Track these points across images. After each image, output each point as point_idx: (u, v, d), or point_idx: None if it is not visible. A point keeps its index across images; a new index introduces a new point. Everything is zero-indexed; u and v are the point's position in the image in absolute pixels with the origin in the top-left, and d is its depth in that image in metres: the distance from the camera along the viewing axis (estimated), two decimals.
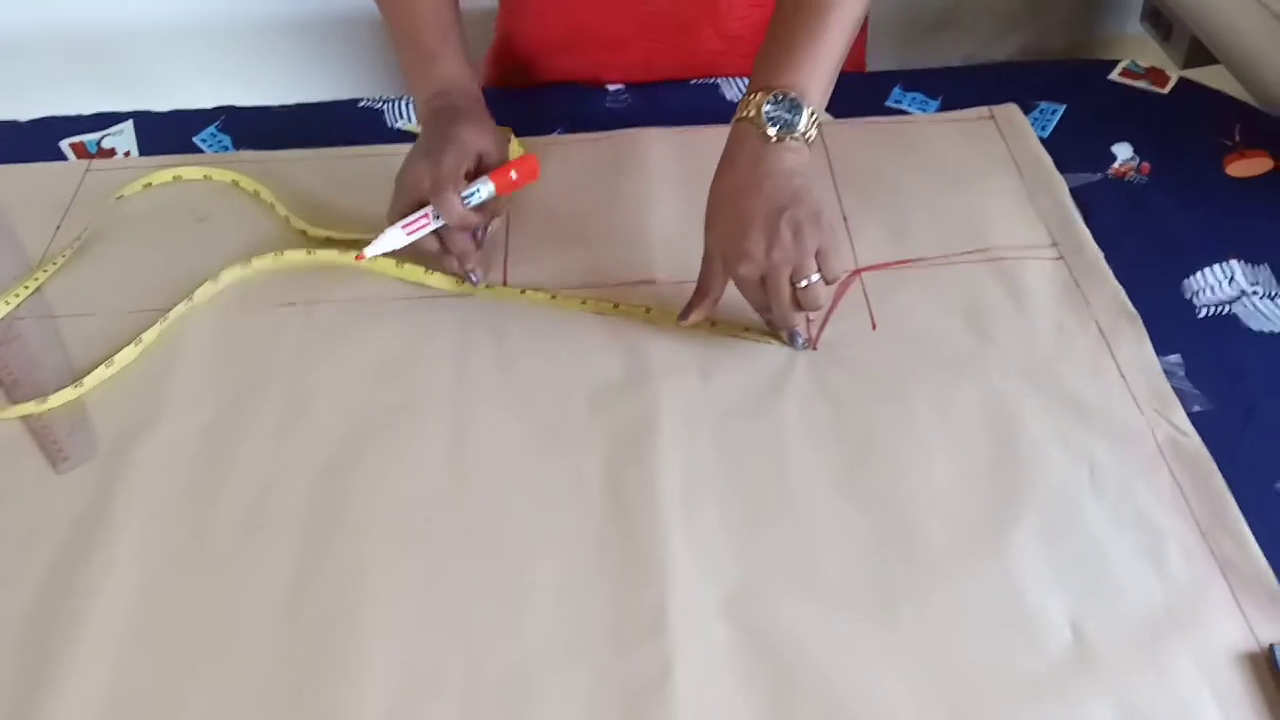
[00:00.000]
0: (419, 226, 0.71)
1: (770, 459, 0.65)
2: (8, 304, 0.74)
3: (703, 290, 0.70)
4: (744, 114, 0.68)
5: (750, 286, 0.67)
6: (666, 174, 0.83)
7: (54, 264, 0.77)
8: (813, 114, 0.67)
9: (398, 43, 0.79)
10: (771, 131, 0.66)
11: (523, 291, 0.75)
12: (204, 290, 0.75)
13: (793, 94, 0.67)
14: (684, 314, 0.70)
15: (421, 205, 0.71)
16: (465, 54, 0.78)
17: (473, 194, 0.71)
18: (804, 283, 0.65)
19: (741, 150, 0.68)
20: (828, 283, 0.66)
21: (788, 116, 0.66)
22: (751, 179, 0.66)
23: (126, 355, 0.71)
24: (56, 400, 0.68)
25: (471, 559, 0.61)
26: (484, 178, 0.72)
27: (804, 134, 0.67)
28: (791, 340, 0.71)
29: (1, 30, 1.11)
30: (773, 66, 0.69)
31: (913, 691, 0.55)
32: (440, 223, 0.71)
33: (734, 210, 0.66)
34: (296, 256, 0.77)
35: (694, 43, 0.93)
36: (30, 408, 0.68)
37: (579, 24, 0.92)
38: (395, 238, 0.71)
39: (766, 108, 0.67)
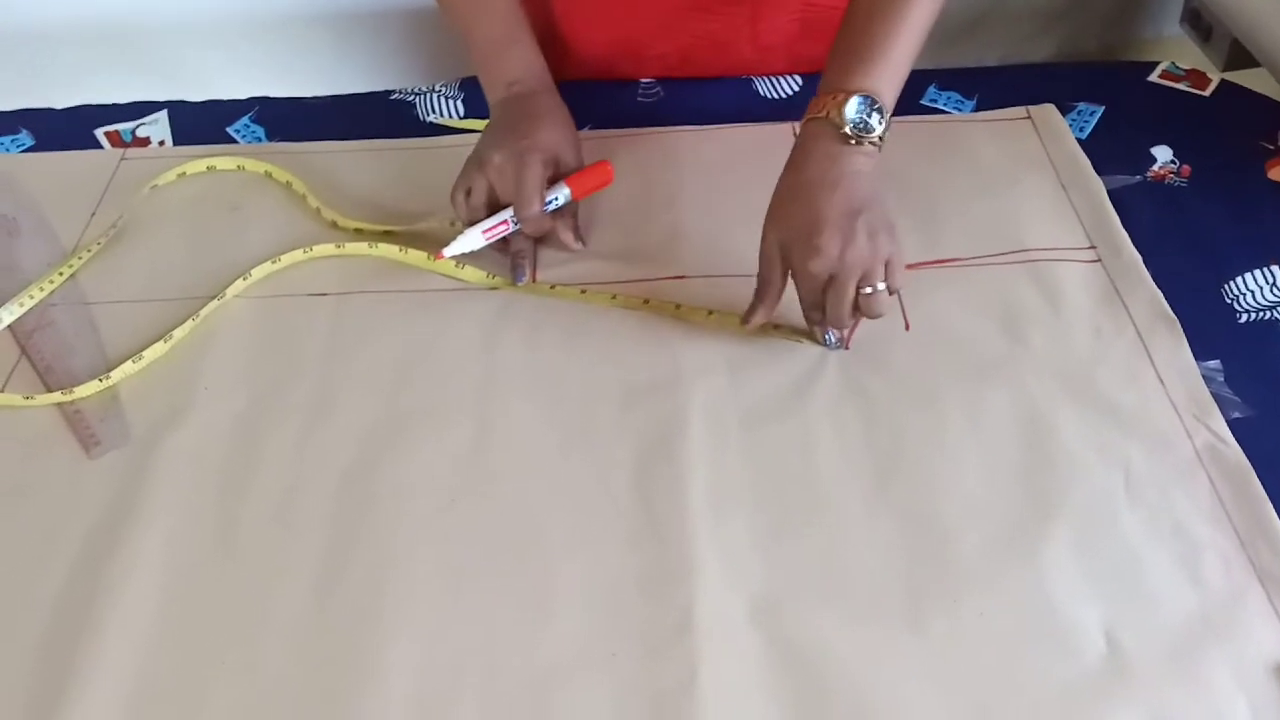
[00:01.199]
0: (498, 232, 0.73)
1: (800, 462, 0.64)
2: (42, 290, 0.75)
3: (764, 289, 0.69)
4: (818, 113, 0.67)
5: (813, 283, 0.66)
6: (697, 171, 0.83)
7: (88, 251, 0.78)
8: (887, 120, 0.67)
9: (466, 26, 0.80)
10: (849, 132, 0.66)
11: (552, 287, 0.75)
12: (235, 287, 0.75)
13: (874, 97, 0.66)
14: (747, 317, 0.70)
15: (497, 202, 0.74)
16: (536, 44, 0.80)
17: (552, 201, 0.73)
18: (869, 289, 0.64)
19: (814, 148, 0.67)
20: (890, 293, 0.65)
21: (866, 119, 0.66)
22: (827, 175, 0.66)
23: (155, 351, 0.71)
24: (83, 391, 0.68)
25: (498, 558, 0.60)
26: (562, 184, 0.74)
27: (880, 138, 0.67)
28: (825, 340, 0.70)
29: (38, 19, 1.12)
30: (848, 69, 0.68)
31: (943, 702, 0.54)
32: (517, 227, 0.74)
33: (807, 204, 0.65)
34: (325, 250, 0.77)
35: (729, 56, 0.93)
36: (57, 397, 0.68)
37: (618, 39, 0.92)
38: (474, 239, 0.73)
39: (848, 110, 0.66)
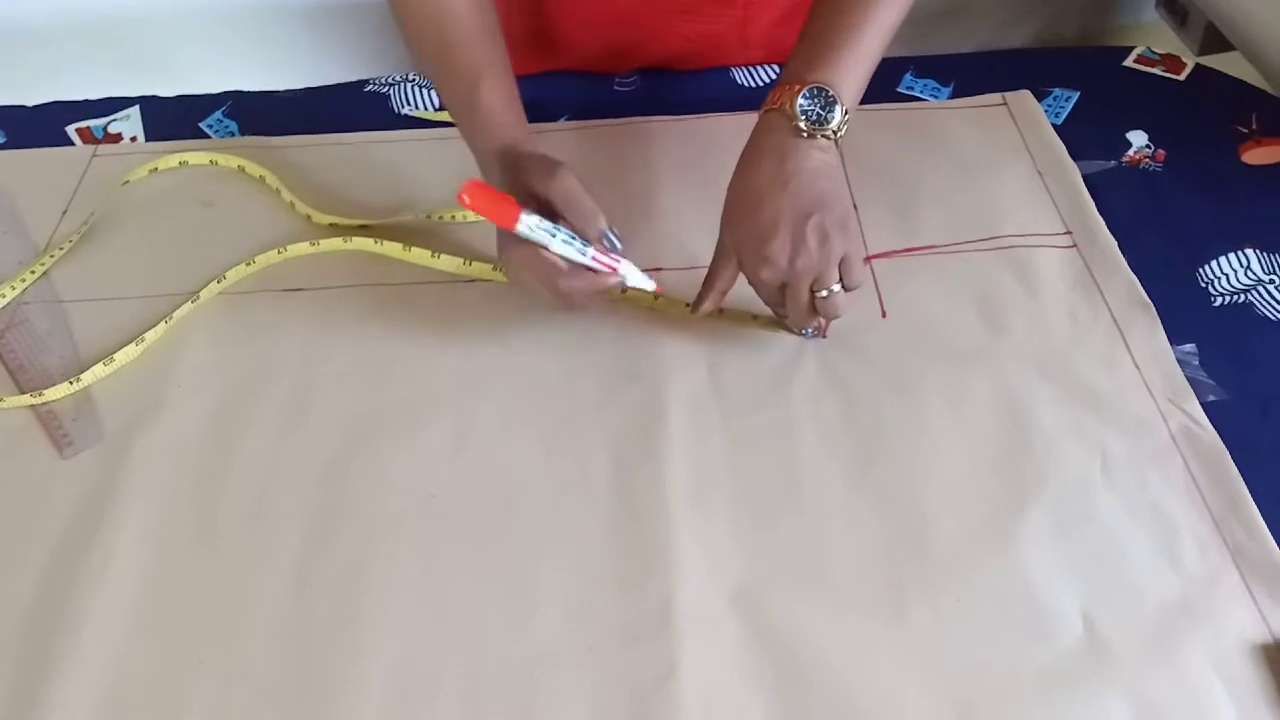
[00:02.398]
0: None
1: (779, 452, 0.64)
2: (14, 289, 0.74)
3: (710, 281, 0.69)
4: (774, 105, 0.66)
5: (767, 291, 0.66)
6: (674, 162, 0.83)
7: (60, 249, 0.77)
8: (845, 112, 0.65)
9: (437, 82, 0.72)
10: (803, 125, 0.64)
11: None
12: (209, 290, 0.74)
13: (829, 89, 0.65)
14: (694, 306, 0.69)
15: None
16: (515, 98, 0.70)
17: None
18: (824, 293, 0.64)
19: (768, 143, 0.66)
20: (848, 290, 0.65)
21: (821, 112, 0.64)
22: (777, 177, 0.64)
23: (127, 354, 0.70)
24: (53, 394, 0.68)
25: (477, 552, 0.60)
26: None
27: (835, 131, 0.65)
28: (802, 332, 0.70)
29: (8, 14, 1.11)
30: (808, 62, 0.67)
31: (923, 686, 0.54)
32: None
33: (757, 209, 0.64)
34: (300, 249, 0.76)
35: (718, 58, 0.92)
36: (27, 400, 0.68)
37: (609, 43, 0.91)
38: (643, 278, 0.66)
39: (801, 101, 0.64)
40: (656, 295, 0.69)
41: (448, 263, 0.75)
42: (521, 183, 0.63)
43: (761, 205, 0.64)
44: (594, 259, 0.63)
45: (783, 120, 0.65)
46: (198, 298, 0.73)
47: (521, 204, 0.61)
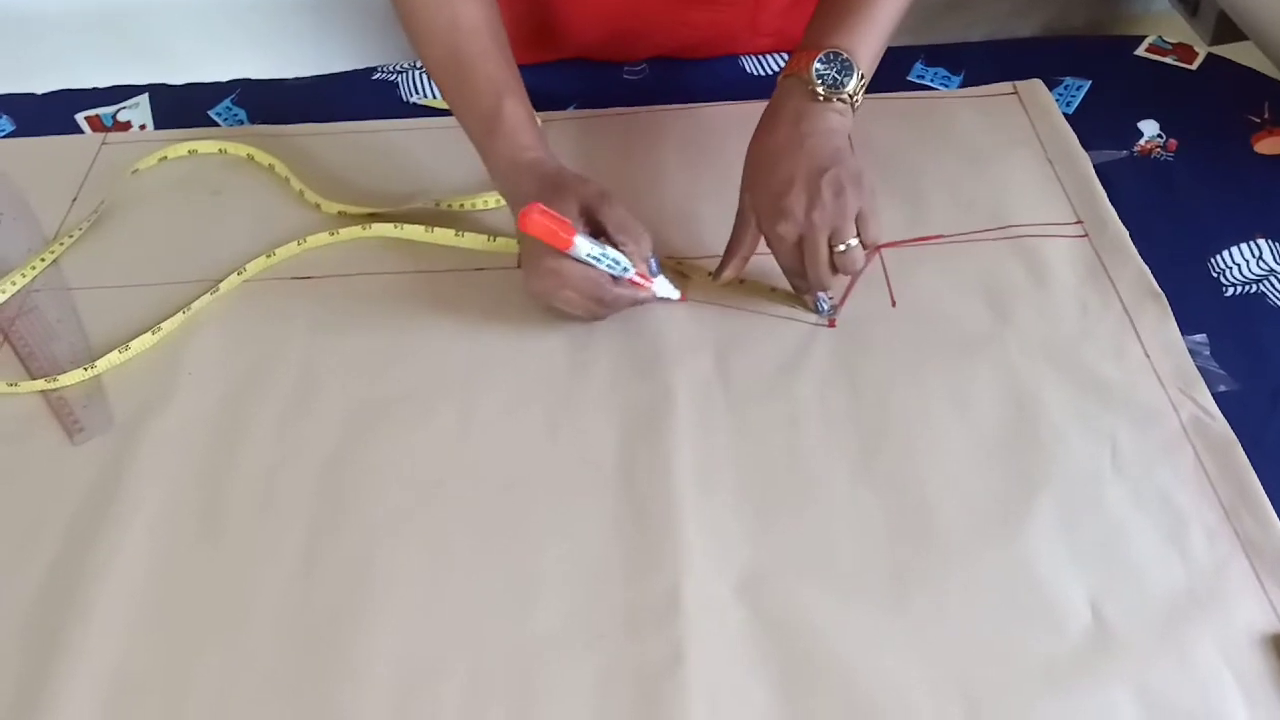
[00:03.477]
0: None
1: (785, 440, 0.64)
2: (25, 276, 0.74)
3: (733, 248, 0.70)
4: (792, 70, 0.68)
5: (785, 246, 0.66)
6: (682, 150, 0.83)
7: (70, 237, 0.77)
8: (861, 77, 0.67)
9: (457, 112, 0.73)
10: (820, 90, 0.66)
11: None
12: (229, 281, 0.74)
13: (844, 54, 0.67)
14: (717, 272, 0.70)
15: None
16: (534, 116, 0.72)
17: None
18: (842, 246, 0.64)
19: (785, 106, 0.68)
20: (865, 247, 0.65)
21: (837, 76, 0.67)
22: (793, 136, 0.66)
23: (144, 342, 0.70)
24: (67, 380, 0.68)
25: (483, 541, 0.60)
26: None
27: (851, 95, 0.67)
28: (818, 306, 0.70)
29: (18, 3, 1.11)
30: (824, 28, 0.69)
31: (929, 675, 0.54)
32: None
33: (773, 168, 0.66)
34: (320, 239, 0.76)
35: (728, 47, 0.92)
36: (41, 385, 0.68)
37: (615, 31, 0.90)
38: (670, 289, 0.70)
39: (817, 65, 0.67)
40: (682, 300, 0.70)
41: (472, 240, 0.75)
42: (566, 199, 0.65)
43: (778, 163, 0.66)
44: (635, 276, 0.67)
45: (799, 85, 0.67)
46: (217, 289, 0.73)
47: (566, 218, 0.64)
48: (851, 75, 0.67)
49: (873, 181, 0.66)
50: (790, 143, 0.66)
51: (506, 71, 0.71)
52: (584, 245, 0.64)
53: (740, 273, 0.70)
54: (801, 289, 0.70)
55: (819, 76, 0.66)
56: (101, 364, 0.69)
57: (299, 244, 0.76)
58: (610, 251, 0.65)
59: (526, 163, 0.69)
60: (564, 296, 0.67)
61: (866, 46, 0.68)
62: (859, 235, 0.65)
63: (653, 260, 0.68)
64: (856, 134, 0.69)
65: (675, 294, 0.70)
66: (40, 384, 0.68)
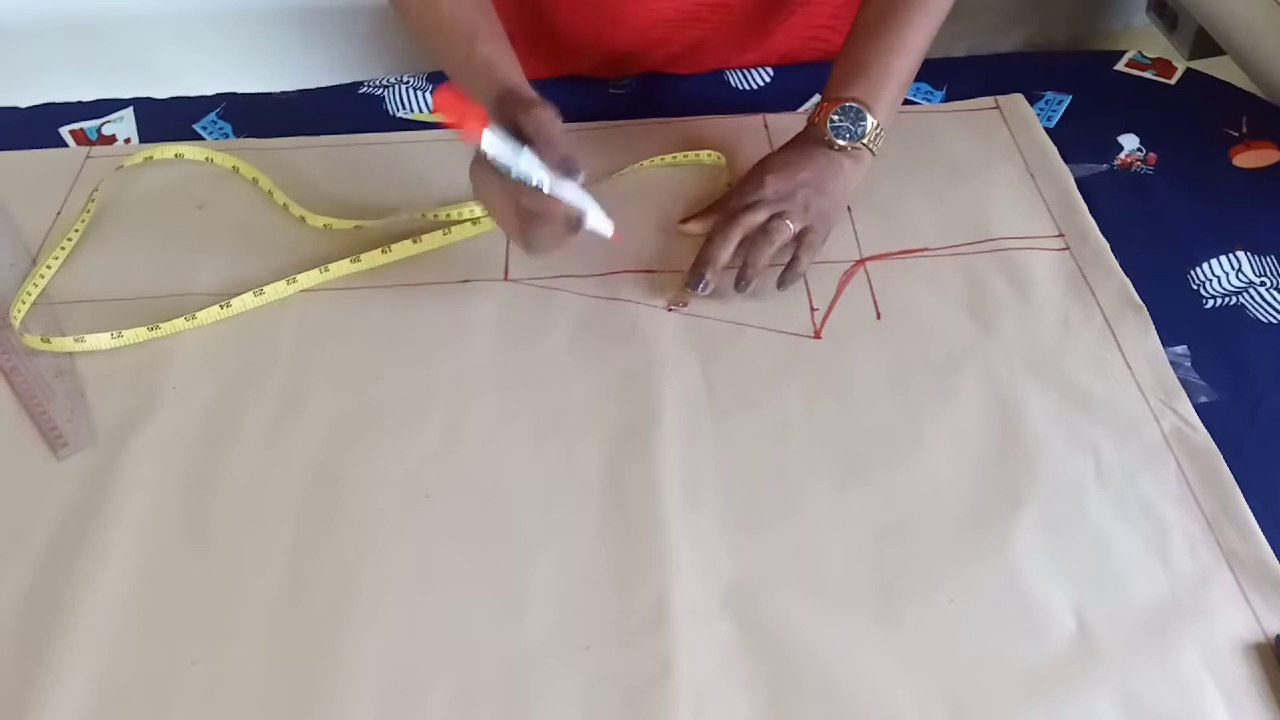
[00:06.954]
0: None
1: (771, 451, 0.64)
2: (36, 286, 0.74)
3: (714, 207, 0.76)
4: (813, 121, 0.75)
5: (739, 201, 0.72)
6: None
7: (75, 233, 0.77)
8: (877, 126, 0.74)
9: (433, 46, 0.74)
10: (834, 140, 0.73)
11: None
12: (209, 313, 0.72)
13: (859, 105, 0.73)
14: (686, 218, 0.77)
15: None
16: (510, 51, 0.71)
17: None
18: (780, 224, 0.70)
19: (803, 146, 0.75)
20: (793, 268, 0.71)
21: (851, 126, 0.74)
22: (805, 156, 0.74)
23: (138, 335, 0.71)
24: (96, 343, 0.70)
25: (469, 551, 0.60)
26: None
27: (868, 142, 0.74)
28: (696, 283, 0.71)
29: (1, 16, 1.11)
30: (844, 80, 0.75)
31: (915, 685, 0.54)
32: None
33: (778, 162, 0.74)
34: (310, 278, 0.74)
35: (715, 62, 0.93)
36: (69, 344, 0.70)
37: (612, 52, 0.91)
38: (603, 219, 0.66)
39: (833, 118, 0.74)
40: (615, 242, 0.67)
41: (460, 231, 0.76)
42: (505, 104, 0.64)
43: (784, 163, 0.74)
44: (545, 187, 0.62)
45: (817, 134, 0.74)
46: (229, 305, 0.72)
47: (481, 107, 0.61)
48: (865, 122, 0.73)
49: (831, 226, 0.73)
50: (801, 157, 0.74)
51: (480, 13, 0.72)
52: (492, 142, 0.60)
53: (707, 228, 0.74)
54: (701, 259, 0.71)
55: (834, 129, 0.73)
56: (129, 335, 0.71)
57: (289, 283, 0.74)
58: (525, 159, 0.61)
59: (496, 96, 0.66)
60: (486, 204, 0.66)
61: (881, 95, 0.74)
62: (796, 250, 0.71)
63: (577, 183, 0.63)
64: None
65: (608, 229, 0.66)
66: (69, 342, 0.70)
